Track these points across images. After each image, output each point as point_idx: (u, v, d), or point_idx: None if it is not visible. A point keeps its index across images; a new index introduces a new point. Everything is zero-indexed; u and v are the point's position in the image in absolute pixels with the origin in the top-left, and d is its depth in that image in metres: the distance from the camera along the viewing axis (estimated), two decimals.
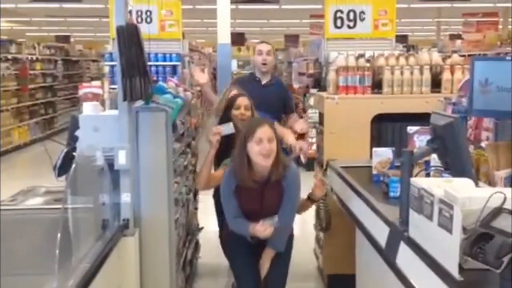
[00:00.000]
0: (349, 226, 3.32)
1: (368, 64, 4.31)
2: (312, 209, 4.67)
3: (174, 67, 7.83)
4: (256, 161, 2.85)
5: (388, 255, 2.33)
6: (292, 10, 16.86)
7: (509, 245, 1.45)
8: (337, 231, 3.95)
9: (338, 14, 6.77)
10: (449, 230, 1.71)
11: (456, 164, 2.18)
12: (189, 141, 4.14)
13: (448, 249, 1.72)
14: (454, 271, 1.68)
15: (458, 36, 17.02)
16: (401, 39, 17.87)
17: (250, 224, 2.93)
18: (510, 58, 2.79)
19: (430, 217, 1.87)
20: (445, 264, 1.75)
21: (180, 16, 7.56)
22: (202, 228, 4.65)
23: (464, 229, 1.66)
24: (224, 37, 7.19)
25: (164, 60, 7.73)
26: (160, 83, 3.67)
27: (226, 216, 3.06)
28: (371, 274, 2.92)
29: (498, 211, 1.58)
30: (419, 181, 2.06)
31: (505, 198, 1.61)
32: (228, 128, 3.23)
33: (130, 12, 2.93)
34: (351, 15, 6.75)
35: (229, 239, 3.19)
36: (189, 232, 4.09)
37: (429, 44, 16.19)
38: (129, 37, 2.72)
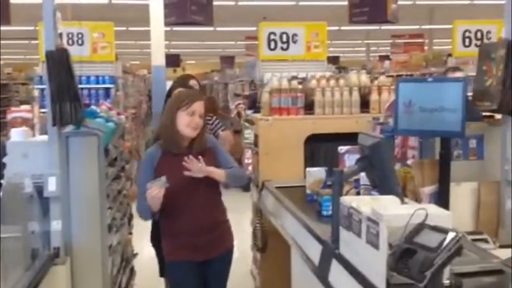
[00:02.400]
0: (285, 246, 3.35)
1: (300, 86, 4.42)
2: (250, 230, 4.71)
3: (107, 90, 7.72)
4: (182, 131, 2.89)
5: (321, 272, 2.38)
6: (227, 32, 17.03)
7: (431, 260, 1.52)
8: (273, 251, 3.98)
9: (272, 36, 6.91)
10: (376, 247, 1.77)
11: (383, 182, 2.27)
12: (122, 165, 4.08)
13: (375, 265, 1.79)
14: (381, 285, 1.74)
15: (387, 57, 17.74)
16: (333, 60, 18.43)
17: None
18: (431, 79, 2.95)
19: (358, 234, 1.93)
20: (373, 279, 1.81)
21: (113, 38, 7.48)
22: (137, 254, 4.57)
23: (390, 245, 1.73)
24: (158, 59, 7.18)
25: (97, 83, 7.61)
26: (92, 107, 3.62)
27: (138, 190, 2.94)
28: None
29: (420, 227, 1.66)
30: (348, 200, 2.13)
31: (426, 215, 1.69)
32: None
33: (61, 35, 2.89)
34: (284, 37, 6.90)
35: (169, 266, 3.04)
36: (124, 258, 4.01)
37: (360, 65, 16.73)
38: (59, 61, 2.69)
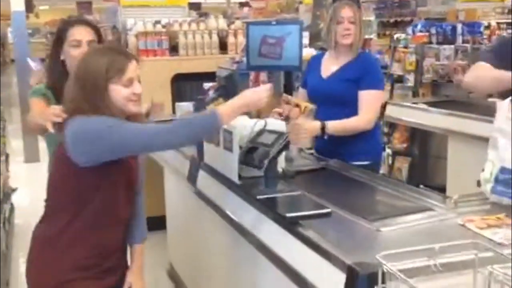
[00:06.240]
0: (156, 174, 3.82)
1: (164, 30, 4.83)
2: None
3: None
4: (123, 108, 1.97)
5: (190, 181, 2.91)
6: None
7: (267, 152, 2.11)
8: (146, 180, 4.43)
9: None
10: (230, 150, 2.33)
11: None
12: None
13: (230, 164, 2.35)
14: (235, 178, 2.32)
15: (247, 4, 18.32)
16: (195, 6, 18.65)
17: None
18: (275, 22, 3.53)
19: (217, 144, 2.48)
20: (229, 175, 2.38)
21: None
22: (16, 188, 4.78)
23: (240, 147, 2.29)
24: (18, 3, 7.05)
25: None
26: None
27: (145, 139, 1.95)
28: (179, 207, 3.50)
29: (261, 131, 2.24)
30: None
31: (265, 123, 2.28)
32: None
33: None
34: None
35: None
36: (4, 193, 4.25)
37: (221, 12, 17.10)
38: None
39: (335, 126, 2.77)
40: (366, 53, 2.99)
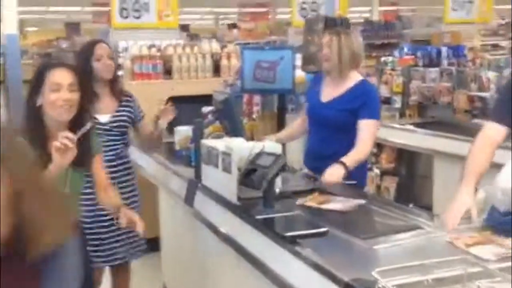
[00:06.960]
0: (150, 195, 3.87)
1: (158, 53, 4.95)
2: None
3: None
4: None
5: (187, 203, 3.00)
6: None
7: (266, 174, 2.22)
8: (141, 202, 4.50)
9: (123, 5, 7.19)
10: (229, 172, 2.43)
11: (232, 128, 2.94)
12: None
13: (229, 185, 2.45)
14: (234, 199, 2.41)
15: (235, 25, 18.59)
16: (183, 28, 18.86)
17: None
18: (268, 47, 3.69)
19: (216, 165, 2.57)
20: (228, 196, 2.48)
21: None
22: None
23: (239, 169, 2.39)
24: (10, 26, 7.12)
25: None
26: None
27: None
28: (175, 228, 3.57)
29: (259, 154, 2.34)
30: (207, 142, 2.76)
31: (263, 146, 2.39)
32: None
33: None
34: (136, 6, 7.23)
35: None
36: None
37: (210, 33, 17.37)
38: None
39: (352, 162, 2.86)
40: (366, 82, 3.09)
